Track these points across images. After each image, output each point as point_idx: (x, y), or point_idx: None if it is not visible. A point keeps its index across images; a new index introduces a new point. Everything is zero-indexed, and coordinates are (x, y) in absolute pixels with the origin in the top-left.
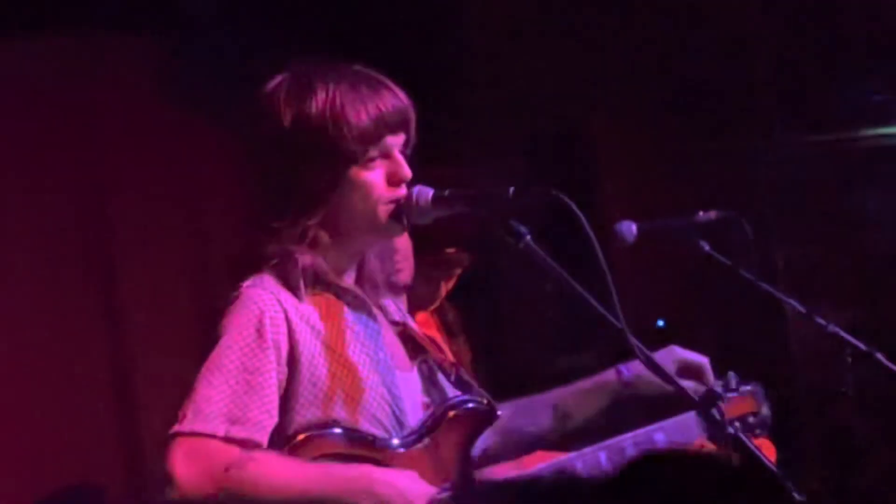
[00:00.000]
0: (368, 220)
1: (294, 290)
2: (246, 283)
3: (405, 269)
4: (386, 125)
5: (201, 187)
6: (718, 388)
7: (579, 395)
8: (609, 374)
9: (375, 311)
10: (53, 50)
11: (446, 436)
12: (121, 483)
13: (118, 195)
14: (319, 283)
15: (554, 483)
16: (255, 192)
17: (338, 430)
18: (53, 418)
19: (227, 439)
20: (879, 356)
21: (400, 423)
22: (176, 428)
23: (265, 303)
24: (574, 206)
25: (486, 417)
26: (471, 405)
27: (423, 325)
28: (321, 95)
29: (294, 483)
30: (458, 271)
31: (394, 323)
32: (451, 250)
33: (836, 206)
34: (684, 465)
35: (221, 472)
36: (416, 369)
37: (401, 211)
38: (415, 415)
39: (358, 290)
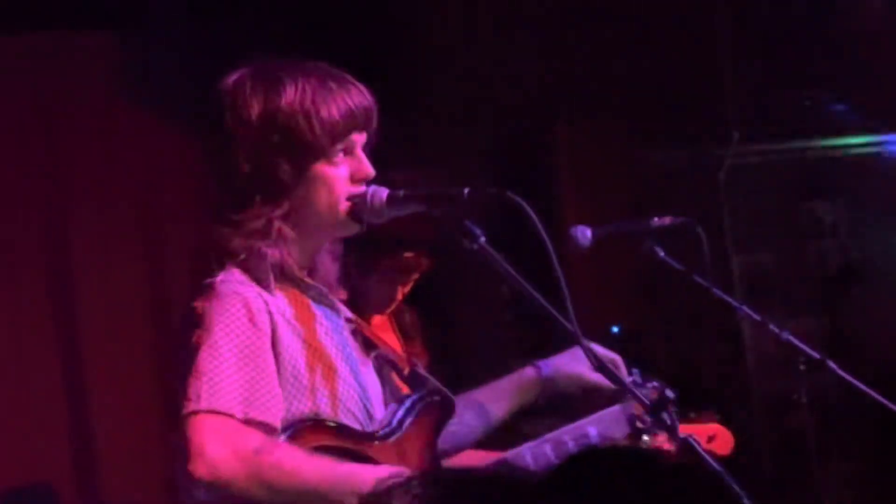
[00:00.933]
0: (330, 215)
1: (263, 284)
2: (218, 278)
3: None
4: (354, 121)
5: (158, 188)
6: (631, 383)
7: (501, 393)
8: (528, 372)
9: (337, 306)
10: (10, 48)
11: (418, 428)
12: (72, 485)
13: (73, 194)
14: (286, 277)
15: (510, 475)
16: (219, 184)
17: (327, 423)
18: (4, 421)
19: (247, 421)
20: (832, 364)
21: (369, 416)
22: (192, 406)
23: (248, 294)
24: (528, 208)
25: (449, 410)
26: (437, 398)
27: (380, 328)
28: (290, 89)
29: (309, 475)
30: (416, 275)
31: (347, 320)
32: (409, 254)
33: (791, 214)
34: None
35: (252, 455)
36: (370, 364)
37: (359, 209)
38: (378, 408)
39: (320, 286)
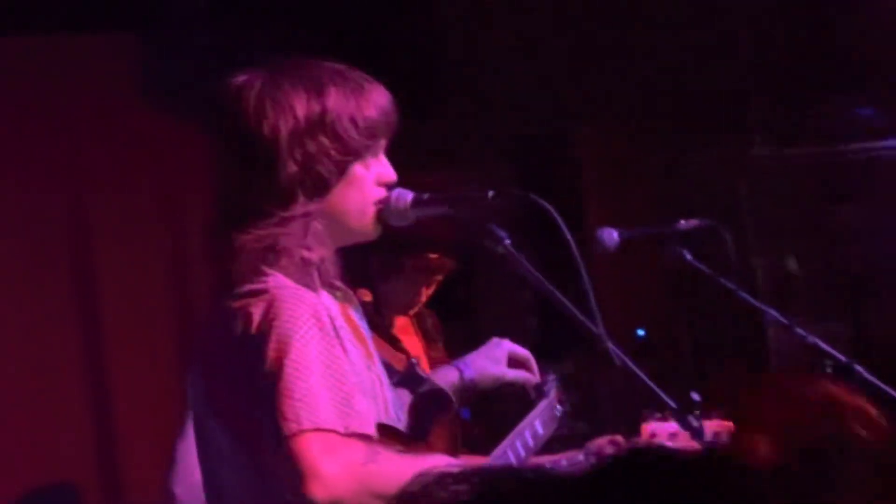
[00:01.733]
0: (359, 218)
1: (308, 285)
2: (269, 283)
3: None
4: (387, 122)
5: (179, 184)
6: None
7: None
8: (451, 374)
9: (359, 307)
10: (31, 50)
11: (439, 428)
12: (95, 484)
13: (96, 192)
14: (321, 278)
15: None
16: (259, 184)
17: (390, 427)
18: (29, 418)
19: (348, 434)
20: (858, 368)
21: (398, 417)
22: (295, 427)
23: (310, 300)
24: (553, 211)
25: (449, 407)
26: (439, 397)
27: (403, 330)
28: (333, 89)
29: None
30: (440, 276)
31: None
32: (433, 255)
33: (816, 217)
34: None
35: (360, 467)
36: None
37: (385, 212)
38: (397, 409)
39: (345, 287)
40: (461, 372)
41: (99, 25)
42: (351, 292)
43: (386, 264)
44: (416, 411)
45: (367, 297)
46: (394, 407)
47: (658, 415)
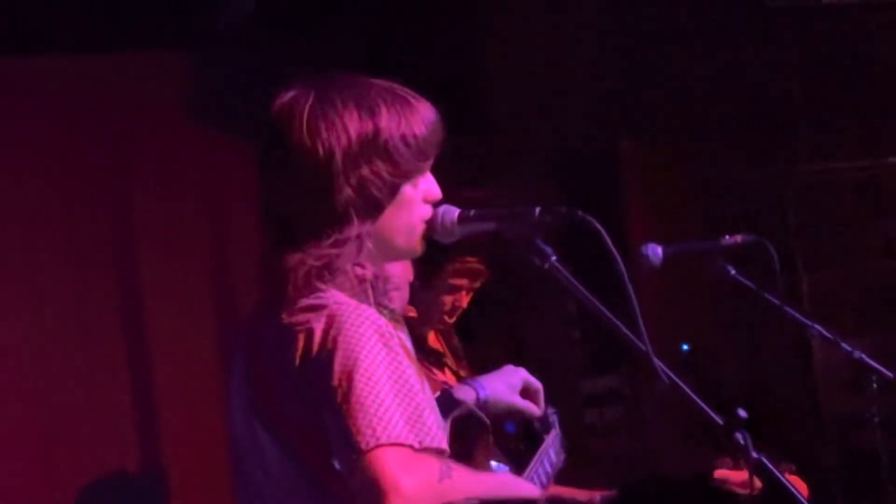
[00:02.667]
0: (408, 237)
1: (364, 302)
2: (329, 299)
3: (394, 297)
4: (434, 140)
5: (224, 194)
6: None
7: None
8: (468, 392)
9: (404, 326)
10: (80, 68)
11: (481, 447)
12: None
13: (143, 204)
14: (376, 296)
15: None
16: (313, 205)
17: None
18: (76, 427)
19: (423, 449)
20: None
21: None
22: (371, 441)
23: (371, 316)
24: (600, 227)
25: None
26: (477, 421)
27: (434, 344)
28: (384, 108)
29: (483, 490)
30: (478, 284)
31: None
32: (473, 259)
33: (861, 232)
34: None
35: (437, 483)
36: None
37: (431, 230)
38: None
39: (392, 305)
40: (477, 392)
41: (148, 44)
42: (398, 312)
43: (426, 269)
44: (457, 434)
45: (412, 312)
46: (441, 428)
47: (730, 461)
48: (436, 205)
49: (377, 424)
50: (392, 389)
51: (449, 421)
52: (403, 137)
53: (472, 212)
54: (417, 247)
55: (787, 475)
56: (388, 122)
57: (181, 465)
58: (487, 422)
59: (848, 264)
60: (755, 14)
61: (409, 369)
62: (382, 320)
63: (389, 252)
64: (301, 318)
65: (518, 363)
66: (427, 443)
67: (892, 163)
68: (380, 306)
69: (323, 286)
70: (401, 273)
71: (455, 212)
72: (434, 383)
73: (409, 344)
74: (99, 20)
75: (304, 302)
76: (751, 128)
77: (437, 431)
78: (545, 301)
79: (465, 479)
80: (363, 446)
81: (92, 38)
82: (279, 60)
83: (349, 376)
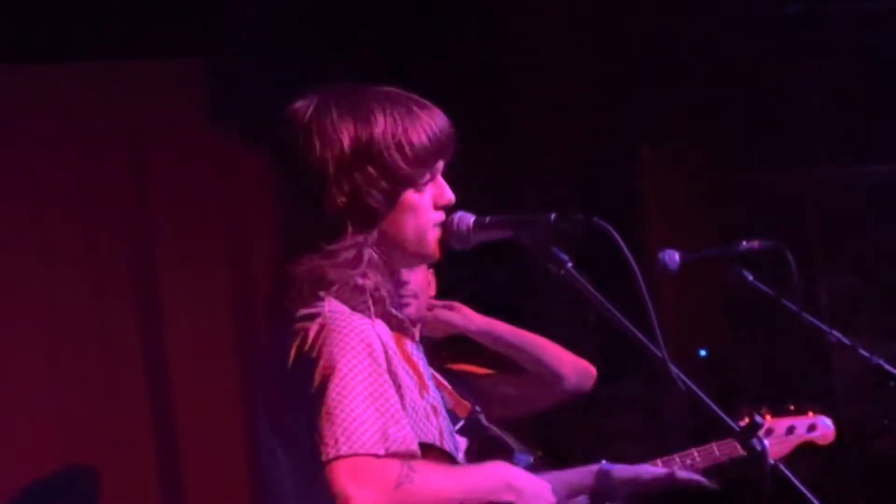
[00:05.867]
0: (418, 244)
1: (363, 312)
2: (325, 308)
3: (412, 304)
4: (440, 147)
5: (244, 208)
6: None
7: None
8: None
9: (415, 336)
10: (100, 75)
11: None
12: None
13: (162, 219)
14: (376, 307)
15: None
16: (308, 215)
17: (445, 451)
18: (90, 421)
19: (389, 455)
20: None
21: (456, 449)
22: (332, 453)
23: (362, 327)
24: (616, 234)
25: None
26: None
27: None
28: (381, 117)
29: (453, 488)
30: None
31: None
32: None
33: (880, 237)
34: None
35: (392, 490)
36: None
37: (446, 236)
38: (452, 443)
39: (401, 315)
40: None
41: (168, 52)
42: (410, 325)
43: None
44: (475, 451)
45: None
46: (449, 438)
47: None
48: (450, 210)
49: (340, 435)
50: (365, 400)
51: (469, 439)
52: (399, 145)
53: (488, 218)
54: (432, 252)
55: (810, 415)
56: (384, 130)
57: (198, 468)
58: (512, 446)
59: (867, 270)
60: (774, 20)
61: (403, 379)
62: (374, 331)
63: (402, 259)
64: (298, 326)
65: None
66: (394, 448)
67: None
68: (386, 315)
69: (323, 294)
70: (419, 280)
71: (470, 218)
72: (463, 411)
73: (416, 351)
74: (119, 28)
75: (302, 311)
76: (769, 133)
77: (407, 435)
78: (565, 309)
79: (432, 480)
80: (324, 458)
81: (112, 46)
82: (296, 67)
83: (325, 385)
